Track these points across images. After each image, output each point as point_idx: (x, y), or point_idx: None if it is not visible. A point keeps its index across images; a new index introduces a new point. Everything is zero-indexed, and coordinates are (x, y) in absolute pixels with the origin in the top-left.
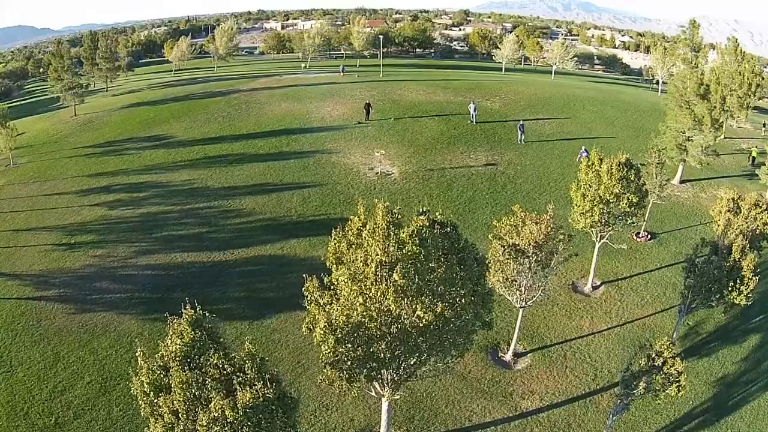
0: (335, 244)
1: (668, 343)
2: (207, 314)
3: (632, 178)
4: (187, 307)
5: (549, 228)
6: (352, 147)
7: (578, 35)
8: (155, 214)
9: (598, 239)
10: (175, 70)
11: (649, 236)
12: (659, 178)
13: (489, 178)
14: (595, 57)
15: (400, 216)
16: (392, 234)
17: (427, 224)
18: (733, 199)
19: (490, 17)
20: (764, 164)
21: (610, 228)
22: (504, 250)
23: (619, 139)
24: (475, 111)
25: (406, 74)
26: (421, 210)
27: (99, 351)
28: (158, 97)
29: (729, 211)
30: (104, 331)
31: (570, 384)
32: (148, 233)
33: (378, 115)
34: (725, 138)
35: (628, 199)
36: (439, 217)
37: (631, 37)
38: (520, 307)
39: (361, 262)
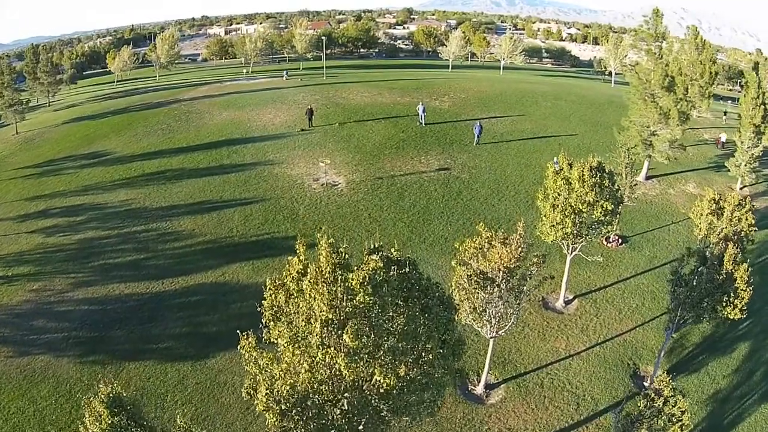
0: (271, 295)
1: (668, 379)
2: (124, 395)
3: (606, 184)
4: (102, 382)
5: (520, 250)
6: (296, 156)
7: (524, 29)
8: (92, 240)
9: (570, 251)
10: (117, 81)
11: (620, 240)
12: (629, 179)
13: (443, 184)
14: (544, 50)
15: (348, 255)
16: (340, 280)
17: (381, 265)
18: (714, 199)
19: (434, 14)
20: (733, 155)
21: (582, 239)
22: (470, 279)
23: (578, 137)
24: (423, 112)
25: (350, 76)
26: (372, 246)
27: (38, 400)
28: (98, 111)
29: (711, 213)
30: (43, 378)
31: (551, 416)
32: (84, 262)
33: (322, 121)
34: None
35: (602, 207)
36: (395, 253)
37: (578, 29)
38: (491, 338)
39: (303, 320)
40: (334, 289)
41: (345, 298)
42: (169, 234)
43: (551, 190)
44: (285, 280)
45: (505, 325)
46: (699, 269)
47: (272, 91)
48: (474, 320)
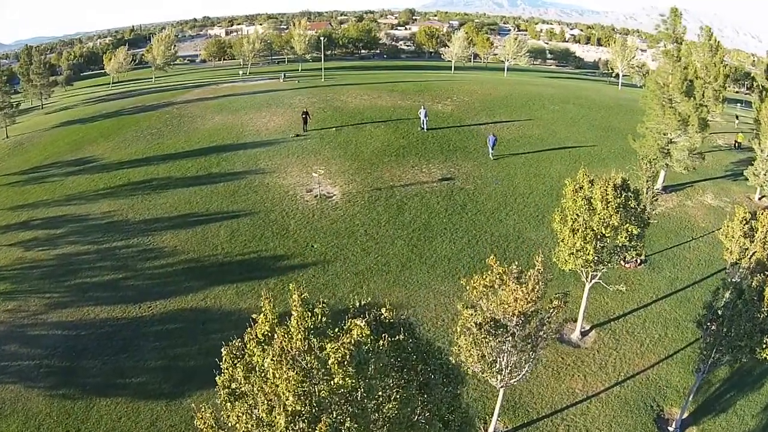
0: (228, 369)
1: None
2: None
3: (631, 205)
4: None
5: (537, 289)
6: (289, 164)
7: (527, 30)
8: (70, 256)
9: (589, 279)
10: (113, 83)
11: (638, 261)
12: (650, 193)
13: (446, 196)
14: (547, 51)
15: (325, 318)
16: (314, 350)
17: (369, 332)
18: (745, 219)
19: (436, 15)
20: (752, 163)
21: (604, 267)
22: (479, 327)
23: (590, 143)
24: (425, 117)
25: (350, 78)
26: (358, 304)
27: None
28: (89, 114)
29: (744, 235)
30: (12, 410)
31: None
32: (61, 281)
33: (318, 125)
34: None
35: (627, 231)
36: (386, 314)
37: (581, 30)
38: (501, 387)
39: (264, 409)
40: (308, 359)
41: (320, 380)
42: (149, 251)
43: (570, 211)
44: (247, 347)
45: (519, 375)
46: (736, 303)
47: (268, 94)
48: (482, 370)
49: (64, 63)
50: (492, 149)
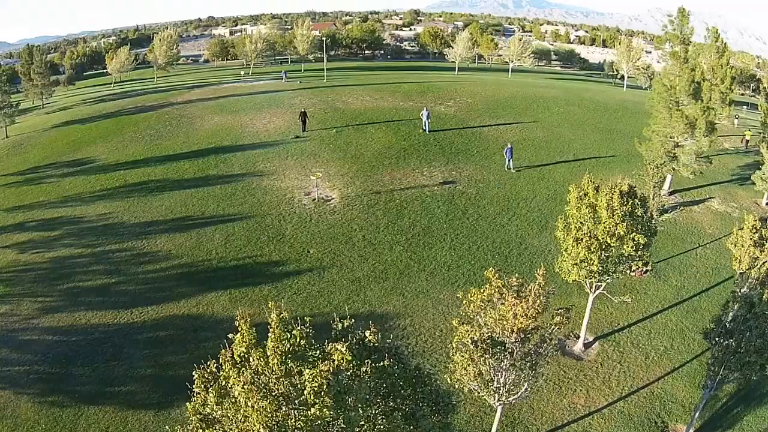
0: (200, 393)
1: None
2: None
3: (638, 213)
4: None
5: (539, 305)
6: (288, 167)
7: (531, 31)
8: (64, 259)
9: (593, 290)
10: (115, 82)
11: (643, 269)
12: (657, 199)
13: (447, 200)
14: (552, 53)
15: (304, 341)
16: (291, 376)
17: (350, 358)
18: (755, 227)
19: (441, 16)
20: (759, 168)
21: (609, 277)
22: (476, 345)
23: (594, 146)
24: (427, 118)
25: (352, 78)
26: (340, 326)
27: None
28: (89, 114)
29: (754, 244)
30: (1, 416)
31: None
32: (54, 284)
33: (318, 126)
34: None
35: (634, 240)
36: (371, 338)
37: (586, 31)
38: (498, 405)
39: None
40: (284, 386)
41: (295, 408)
42: (143, 255)
43: (574, 219)
44: (222, 369)
45: (518, 393)
46: (746, 317)
47: (269, 95)
48: (479, 388)
49: (67, 62)
50: (509, 161)
